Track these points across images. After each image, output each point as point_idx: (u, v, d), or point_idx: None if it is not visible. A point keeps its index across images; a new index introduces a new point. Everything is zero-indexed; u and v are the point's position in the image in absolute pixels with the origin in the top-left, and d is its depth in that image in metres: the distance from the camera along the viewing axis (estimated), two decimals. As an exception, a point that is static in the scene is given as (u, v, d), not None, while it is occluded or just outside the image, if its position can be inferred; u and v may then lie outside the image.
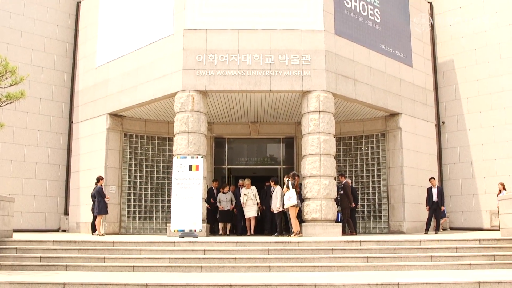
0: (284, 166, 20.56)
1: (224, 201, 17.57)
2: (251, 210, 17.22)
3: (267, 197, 17.22)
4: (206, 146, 16.29)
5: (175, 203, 14.48)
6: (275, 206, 15.93)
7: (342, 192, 16.70)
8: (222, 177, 20.29)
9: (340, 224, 15.92)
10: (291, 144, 20.72)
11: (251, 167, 20.72)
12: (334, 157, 16.23)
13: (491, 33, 20.05)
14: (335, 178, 16.09)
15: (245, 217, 17.43)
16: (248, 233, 17.24)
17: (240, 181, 18.17)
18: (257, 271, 10.90)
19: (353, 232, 16.67)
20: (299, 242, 12.36)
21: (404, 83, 18.89)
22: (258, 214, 17.43)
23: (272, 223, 17.03)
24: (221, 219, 17.77)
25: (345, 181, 16.96)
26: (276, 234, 16.05)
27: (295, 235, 14.44)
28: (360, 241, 12.47)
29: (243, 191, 17.51)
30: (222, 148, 20.89)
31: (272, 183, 16.39)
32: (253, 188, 17.51)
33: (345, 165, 19.75)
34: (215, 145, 20.64)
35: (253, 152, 21.38)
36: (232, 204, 17.71)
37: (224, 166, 20.79)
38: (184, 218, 14.29)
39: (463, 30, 20.83)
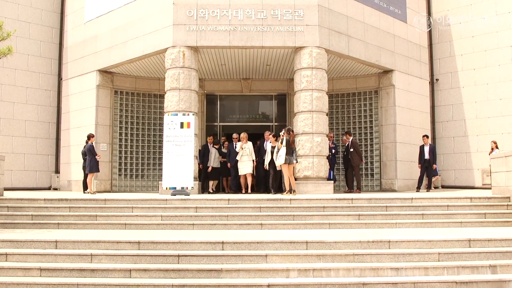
0: (276, 123, 20.45)
1: (216, 157, 17.32)
2: (246, 167, 16.39)
3: (260, 153, 16.85)
4: (197, 103, 16.11)
5: (167, 160, 14.38)
6: (266, 163, 15.59)
7: (352, 149, 16.62)
8: (214, 134, 20.16)
9: (332, 181, 15.92)
10: (283, 101, 20.56)
11: (243, 124, 20.55)
12: (327, 114, 16.14)
13: (487, -12, 19.72)
14: (327, 136, 16.03)
15: (240, 173, 16.54)
16: (244, 191, 16.35)
17: (235, 135, 17.27)
18: (249, 228, 10.94)
19: (351, 190, 16.76)
20: (291, 199, 12.38)
21: (398, 39, 18.64)
22: (253, 171, 16.77)
23: (267, 180, 16.48)
24: (211, 177, 17.48)
25: (351, 138, 16.88)
26: (272, 191, 15.41)
27: (287, 193, 14.40)
28: (351, 199, 12.54)
29: (239, 145, 16.54)
30: (214, 105, 20.70)
31: (273, 139, 15.27)
32: (250, 143, 16.61)
33: (337, 122, 19.68)
34: (207, 102, 20.46)
35: (245, 109, 21.21)
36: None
37: (216, 123, 20.64)
38: (176, 175, 14.23)
39: (459, -15, 20.49)
